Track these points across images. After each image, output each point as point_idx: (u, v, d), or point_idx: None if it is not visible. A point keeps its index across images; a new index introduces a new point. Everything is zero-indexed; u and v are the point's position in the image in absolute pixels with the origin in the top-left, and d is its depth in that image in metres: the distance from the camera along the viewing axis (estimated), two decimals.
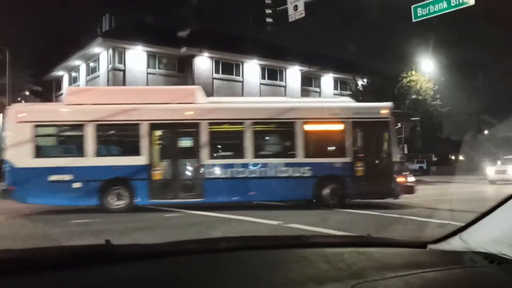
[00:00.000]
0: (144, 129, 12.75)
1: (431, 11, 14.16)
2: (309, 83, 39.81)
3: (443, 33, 27.20)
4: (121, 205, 12.57)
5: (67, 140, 13.38)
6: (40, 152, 12.49)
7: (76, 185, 12.27)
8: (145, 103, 12.92)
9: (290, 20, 17.67)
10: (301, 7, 17.42)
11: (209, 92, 33.88)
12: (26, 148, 12.23)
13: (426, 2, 14.29)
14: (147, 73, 32.14)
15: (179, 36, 31.93)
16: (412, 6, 14.56)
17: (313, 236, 2.19)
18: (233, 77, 35.46)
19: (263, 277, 1.08)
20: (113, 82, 30.82)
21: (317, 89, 40.53)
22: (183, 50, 32.49)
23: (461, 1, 13.87)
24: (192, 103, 13.28)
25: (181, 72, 33.51)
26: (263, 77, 36.76)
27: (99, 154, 12.65)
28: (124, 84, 30.86)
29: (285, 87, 37.81)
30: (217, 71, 34.61)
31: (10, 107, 13.33)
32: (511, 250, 1.14)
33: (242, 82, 35.65)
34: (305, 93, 38.91)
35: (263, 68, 36.64)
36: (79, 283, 1.03)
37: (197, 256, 1.30)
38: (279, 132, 13.81)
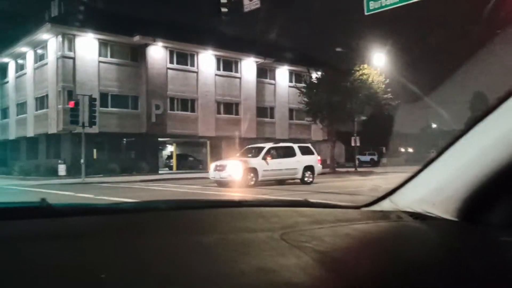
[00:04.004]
0: None
1: (383, 4, 14.51)
2: (264, 75, 39.88)
3: (396, 27, 28.05)
4: None
5: None
6: None
7: None
8: None
9: (245, 10, 17.64)
10: None
11: (164, 83, 33.36)
12: None
13: None
14: (99, 62, 31.14)
15: (132, 24, 31.09)
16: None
17: (253, 200, 2.34)
18: (188, 67, 34.98)
19: (199, 230, 1.13)
20: (62, 70, 29.68)
21: (273, 81, 40.67)
22: (136, 38, 31.69)
23: None
24: None
25: (134, 61, 32.71)
26: (218, 68, 36.51)
27: None
28: (74, 72, 29.81)
29: (240, 78, 37.74)
30: (171, 61, 34.02)
31: None
32: (434, 208, 1.26)
33: (197, 72, 35.25)
34: (260, 85, 38.97)
35: (218, 59, 36.36)
36: (11, 233, 1.01)
37: (139, 213, 1.35)
38: None
